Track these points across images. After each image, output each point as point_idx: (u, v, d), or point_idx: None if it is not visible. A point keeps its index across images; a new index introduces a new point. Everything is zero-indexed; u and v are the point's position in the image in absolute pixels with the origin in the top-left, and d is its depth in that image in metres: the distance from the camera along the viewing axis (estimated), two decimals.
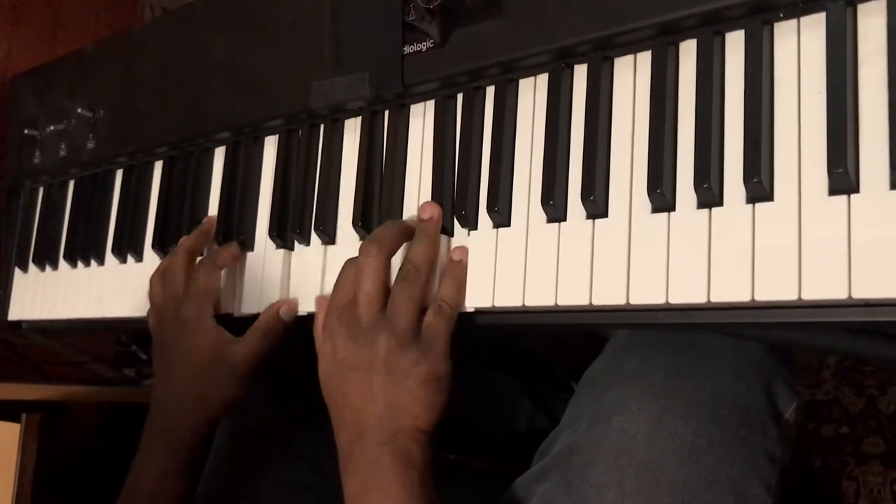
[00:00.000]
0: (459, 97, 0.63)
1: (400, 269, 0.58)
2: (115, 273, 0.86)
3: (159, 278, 0.72)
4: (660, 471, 0.51)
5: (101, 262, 0.88)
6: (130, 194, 0.86)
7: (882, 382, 1.01)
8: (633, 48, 0.54)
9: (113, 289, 0.86)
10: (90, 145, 0.89)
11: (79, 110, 0.89)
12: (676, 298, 0.48)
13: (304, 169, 0.71)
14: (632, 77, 0.54)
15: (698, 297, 0.47)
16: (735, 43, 0.50)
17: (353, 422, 0.56)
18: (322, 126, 0.71)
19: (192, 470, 0.69)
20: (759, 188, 0.46)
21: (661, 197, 0.50)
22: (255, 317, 0.70)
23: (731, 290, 0.46)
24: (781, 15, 0.48)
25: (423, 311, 0.58)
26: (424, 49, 0.62)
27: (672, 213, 0.50)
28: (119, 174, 0.89)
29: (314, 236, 0.69)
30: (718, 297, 0.47)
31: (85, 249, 0.89)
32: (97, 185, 0.90)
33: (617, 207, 0.52)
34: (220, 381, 0.68)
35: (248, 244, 0.74)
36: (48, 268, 0.94)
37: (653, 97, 0.52)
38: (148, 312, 0.74)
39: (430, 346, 0.56)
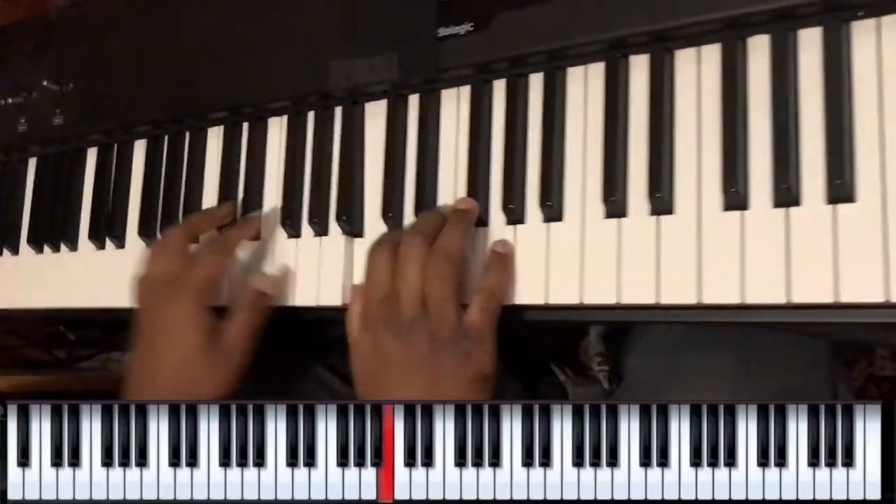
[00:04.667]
0: (497, 84, 0.60)
1: (431, 259, 0.55)
2: (89, 260, 0.80)
3: (154, 252, 0.66)
4: None
5: (73, 247, 0.81)
6: (108, 176, 0.80)
7: None
8: (696, 41, 0.53)
9: (88, 276, 0.79)
10: (57, 121, 0.82)
11: (44, 83, 0.81)
12: (753, 298, 0.48)
13: (318, 153, 0.67)
14: (695, 69, 0.53)
15: (776, 297, 0.47)
16: (809, 41, 0.49)
17: None
18: (338, 109, 0.67)
19: None
20: (842, 189, 0.46)
21: (736, 195, 0.49)
22: None
23: (812, 290, 0.46)
24: (860, 14, 0.48)
25: (462, 304, 0.55)
26: (463, 32, 0.60)
27: (746, 212, 0.49)
28: (92, 153, 0.82)
29: (334, 226, 0.65)
30: (799, 297, 0.47)
31: (52, 234, 0.82)
32: (65, 164, 0.83)
33: (685, 204, 0.51)
34: (213, 370, 0.63)
35: None
36: (6, 252, 0.86)
37: (724, 93, 0.51)
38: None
39: (476, 344, 0.54)
